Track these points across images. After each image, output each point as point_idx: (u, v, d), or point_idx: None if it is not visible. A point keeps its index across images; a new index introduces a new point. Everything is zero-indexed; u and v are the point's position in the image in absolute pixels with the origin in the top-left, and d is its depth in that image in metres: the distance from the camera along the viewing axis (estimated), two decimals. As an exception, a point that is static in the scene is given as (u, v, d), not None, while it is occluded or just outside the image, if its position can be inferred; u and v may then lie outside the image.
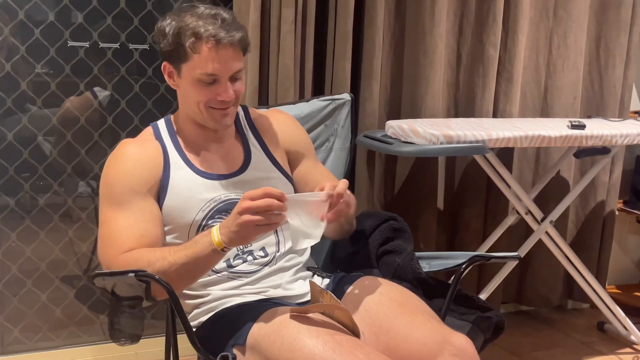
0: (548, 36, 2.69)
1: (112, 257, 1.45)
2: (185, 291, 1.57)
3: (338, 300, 1.38)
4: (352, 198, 1.48)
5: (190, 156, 1.59)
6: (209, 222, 1.55)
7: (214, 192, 1.57)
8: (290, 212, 1.34)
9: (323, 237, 1.47)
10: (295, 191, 1.68)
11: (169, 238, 1.56)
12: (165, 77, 1.57)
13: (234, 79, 1.52)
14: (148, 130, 1.64)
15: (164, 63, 1.55)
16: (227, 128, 1.62)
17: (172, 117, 1.66)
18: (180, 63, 1.50)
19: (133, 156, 1.55)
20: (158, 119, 1.67)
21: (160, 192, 1.55)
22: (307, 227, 1.36)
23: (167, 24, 1.49)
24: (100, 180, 1.56)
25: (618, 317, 2.65)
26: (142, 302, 1.42)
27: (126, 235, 1.46)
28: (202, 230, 1.54)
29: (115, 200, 1.50)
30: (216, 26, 1.46)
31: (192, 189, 1.55)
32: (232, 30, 1.47)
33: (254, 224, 1.32)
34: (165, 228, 1.55)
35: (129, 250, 1.45)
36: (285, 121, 1.76)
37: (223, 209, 1.56)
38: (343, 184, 1.40)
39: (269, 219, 1.32)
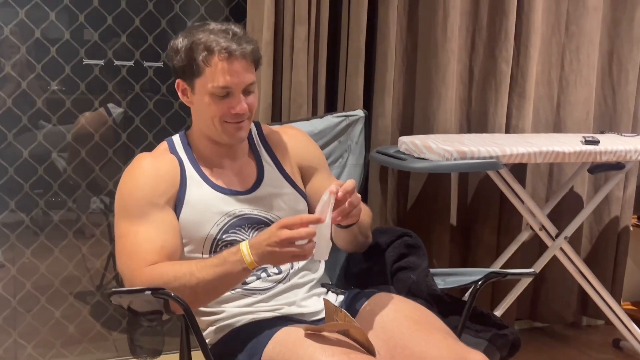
0: (560, 51, 2.68)
1: (135, 271, 1.44)
2: (200, 308, 1.57)
3: (352, 318, 1.37)
4: (359, 201, 1.45)
5: (205, 171, 1.60)
6: (224, 236, 1.55)
7: (229, 206, 1.57)
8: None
9: (334, 251, 1.46)
10: (309, 206, 1.68)
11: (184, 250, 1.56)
12: (179, 94, 1.58)
13: (247, 92, 1.53)
14: (163, 145, 1.65)
15: (178, 80, 1.56)
16: (242, 142, 1.62)
17: (186, 133, 1.67)
18: (193, 79, 1.51)
19: (150, 169, 1.56)
20: (172, 135, 1.67)
21: (176, 206, 1.55)
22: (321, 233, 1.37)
23: (180, 42, 1.51)
24: (115, 195, 1.55)
25: (634, 334, 2.62)
26: (162, 315, 1.42)
27: (147, 248, 1.46)
28: (217, 244, 1.55)
29: (133, 213, 1.50)
30: (227, 39, 1.48)
31: (208, 203, 1.56)
32: (244, 43, 1.49)
33: (291, 255, 1.34)
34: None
35: (152, 264, 1.44)
36: (297, 136, 1.76)
37: (237, 224, 1.56)
38: (350, 182, 1.40)
39: (303, 250, 1.34)
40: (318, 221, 1.34)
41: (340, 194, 1.37)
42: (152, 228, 1.48)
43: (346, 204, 1.39)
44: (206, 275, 1.39)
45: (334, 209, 1.38)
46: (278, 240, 1.32)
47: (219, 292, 1.48)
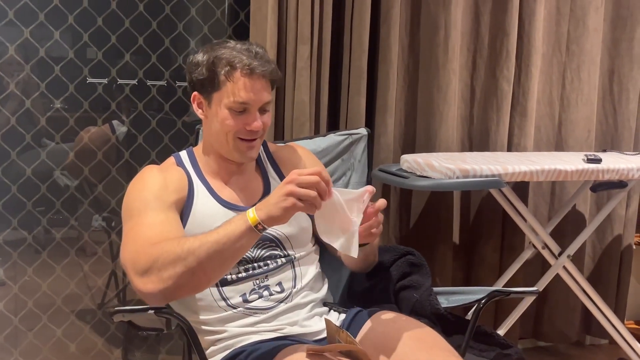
0: (561, 70, 2.70)
1: (139, 249, 1.40)
2: (202, 327, 1.56)
3: (354, 339, 1.37)
4: (381, 222, 1.46)
5: (212, 185, 1.61)
6: None
7: None
8: (329, 206, 1.33)
9: (337, 270, 1.43)
10: (313, 223, 1.68)
11: None
12: (194, 106, 1.60)
13: (263, 110, 1.55)
14: (170, 160, 1.66)
15: (194, 94, 1.58)
16: (252, 161, 1.64)
17: (193, 149, 1.68)
18: (212, 92, 1.53)
19: (159, 175, 1.57)
20: (175, 152, 1.68)
21: (182, 216, 1.55)
22: (338, 229, 1.36)
23: (200, 56, 1.54)
24: (122, 206, 1.55)
25: (638, 353, 2.60)
26: (163, 331, 1.41)
27: (151, 233, 1.43)
28: None
29: (139, 209, 1.49)
30: (250, 57, 1.51)
31: (214, 217, 1.55)
32: (265, 62, 1.52)
33: (297, 196, 1.30)
34: None
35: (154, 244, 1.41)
36: (303, 154, 1.77)
37: None
38: (382, 201, 1.41)
39: (312, 198, 1.30)
40: (329, 183, 1.32)
41: (370, 212, 1.38)
42: (156, 219, 1.47)
43: (374, 220, 1.40)
44: (209, 237, 1.35)
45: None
46: (289, 179, 1.31)
47: (223, 259, 1.37)
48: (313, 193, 1.30)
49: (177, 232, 1.48)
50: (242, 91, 1.50)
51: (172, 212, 1.51)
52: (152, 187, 1.53)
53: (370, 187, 1.37)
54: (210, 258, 1.35)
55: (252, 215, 1.34)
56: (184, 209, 1.56)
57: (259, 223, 1.33)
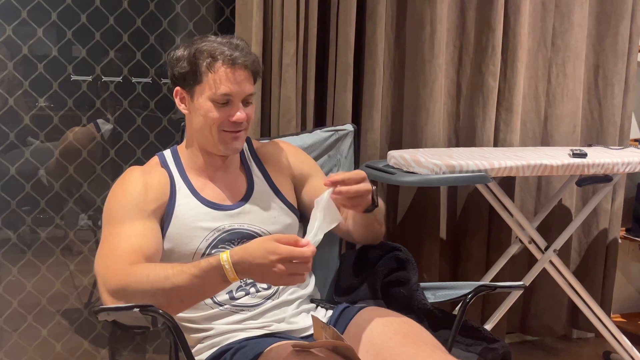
0: (547, 66, 2.71)
1: (110, 267, 1.41)
2: (188, 324, 1.56)
3: (341, 335, 1.37)
4: (366, 189, 1.44)
5: (196, 185, 1.60)
6: (212, 251, 1.55)
7: (218, 221, 1.57)
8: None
9: (325, 266, 1.44)
10: (301, 219, 1.69)
11: None
12: (177, 101, 1.59)
13: (246, 102, 1.55)
14: (154, 160, 1.65)
15: (176, 88, 1.58)
16: (236, 153, 1.63)
17: (177, 147, 1.67)
18: (194, 86, 1.53)
19: (140, 180, 1.56)
20: (160, 151, 1.68)
21: (165, 219, 1.55)
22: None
23: (181, 50, 1.55)
24: (103, 207, 1.55)
25: (624, 347, 2.62)
26: (149, 329, 1.40)
27: (125, 247, 1.43)
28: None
29: (118, 218, 1.49)
30: (231, 49, 1.52)
31: (196, 217, 1.55)
32: (246, 54, 1.53)
33: (286, 274, 1.27)
34: (170, 255, 1.54)
35: (129, 264, 1.40)
36: (287, 149, 1.77)
37: (227, 239, 1.56)
38: (354, 172, 1.42)
39: (298, 273, 1.28)
40: (304, 253, 1.27)
41: (327, 181, 1.39)
42: (133, 230, 1.47)
43: (348, 189, 1.40)
44: (182, 281, 1.34)
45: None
46: (278, 258, 1.26)
47: (195, 301, 1.42)
48: (305, 271, 1.28)
49: (152, 244, 1.48)
50: (224, 82, 1.50)
51: (150, 221, 1.51)
52: (132, 193, 1.53)
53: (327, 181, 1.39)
54: (181, 300, 1.37)
55: (231, 275, 1.30)
56: (166, 212, 1.56)
57: (237, 279, 1.32)
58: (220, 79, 1.50)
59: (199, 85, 1.53)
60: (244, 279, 1.53)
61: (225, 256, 1.31)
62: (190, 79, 1.53)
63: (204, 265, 1.34)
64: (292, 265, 1.26)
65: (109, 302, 1.38)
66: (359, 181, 1.42)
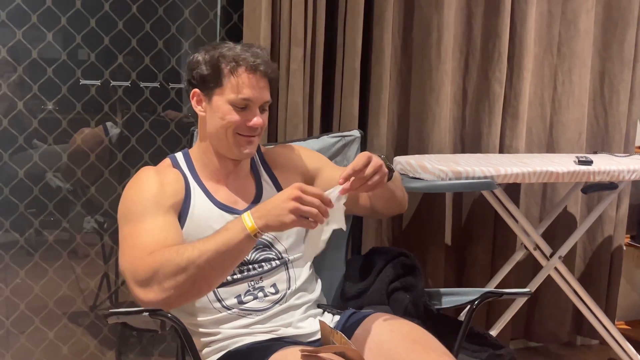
0: (553, 73, 2.72)
1: (138, 260, 1.41)
2: (196, 328, 1.57)
3: (348, 340, 1.37)
4: (378, 166, 1.44)
5: (208, 186, 1.62)
6: None
7: None
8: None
9: (331, 271, 1.44)
10: None
11: None
12: (193, 103, 1.61)
13: (262, 109, 1.58)
14: (166, 162, 1.66)
15: (194, 90, 1.60)
16: (249, 157, 1.64)
17: (189, 150, 1.69)
18: (214, 88, 1.55)
19: (156, 177, 1.58)
20: (170, 154, 1.69)
21: (180, 218, 1.56)
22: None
23: (202, 55, 1.57)
24: (118, 207, 1.55)
25: (629, 354, 2.62)
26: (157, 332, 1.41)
27: (149, 240, 1.44)
28: None
29: (137, 215, 1.49)
30: (254, 56, 1.55)
31: (210, 219, 1.56)
32: (267, 62, 1.57)
33: (299, 214, 1.31)
34: None
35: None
36: (293, 150, 1.79)
37: None
38: (358, 160, 1.41)
39: (314, 216, 1.32)
40: (329, 204, 1.34)
41: (341, 180, 1.39)
42: (155, 224, 1.47)
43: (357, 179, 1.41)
44: (208, 245, 1.36)
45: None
46: (292, 196, 1.31)
47: (224, 267, 1.40)
48: (315, 211, 1.32)
49: (176, 236, 1.48)
50: (245, 87, 1.53)
51: (169, 215, 1.52)
52: (149, 190, 1.54)
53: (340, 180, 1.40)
54: (211, 266, 1.37)
55: (250, 223, 1.35)
56: (182, 211, 1.56)
57: (258, 232, 1.35)
58: (242, 83, 1.53)
59: (219, 88, 1.55)
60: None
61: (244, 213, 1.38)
62: (211, 82, 1.55)
63: (227, 225, 1.39)
64: (305, 207, 1.31)
65: (141, 294, 1.38)
66: (367, 163, 1.42)
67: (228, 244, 1.36)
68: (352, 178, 1.40)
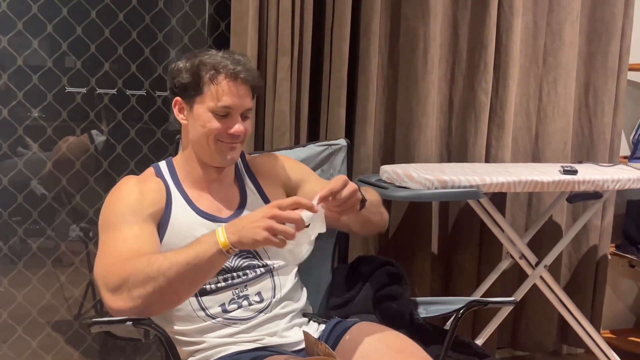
0: (538, 83, 2.74)
1: (110, 266, 1.41)
2: (180, 337, 1.56)
3: (333, 351, 1.37)
4: (353, 191, 1.42)
5: (191, 195, 1.61)
6: None
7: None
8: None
9: (317, 279, 1.44)
10: None
11: None
12: (175, 111, 1.61)
13: (244, 116, 1.58)
14: (149, 170, 1.66)
15: (176, 98, 1.60)
16: (231, 164, 1.64)
17: (172, 159, 1.68)
18: (194, 96, 1.55)
19: (136, 187, 1.58)
20: (154, 163, 1.68)
21: (160, 227, 1.56)
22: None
23: (183, 62, 1.58)
24: (99, 216, 1.55)
25: (614, 363, 2.63)
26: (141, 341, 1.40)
27: (124, 247, 1.44)
28: None
29: (115, 223, 1.49)
30: (234, 63, 1.55)
31: (192, 227, 1.56)
32: (248, 69, 1.57)
33: (273, 232, 1.29)
34: None
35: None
36: (278, 159, 1.79)
37: None
38: (335, 181, 1.39)
39: (287, 235, 1.30)
40: (311, 209, 1.33)
41: (318, 200, 1.37)
42: (130, 233, 1.47)
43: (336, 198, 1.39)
44: (180, 257, 1.35)
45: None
46: (269, 214, 1.30)
47: (194, 280, 1.39)
48: (291, 231, 1.30)
49: (151, 246, 1.48)
50: (225, 95, 1.53)
51: (147, 224, 1.51)
52: (128, 199, 1.53)
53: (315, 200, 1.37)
54: (180, 279, 1.36)
55: (222, 238, 1.33)
56: (162, 220, 1.56)
57: (230, 247, 1.34)
58: (222, 91, 1.53)
59: (200, 96, 1.55)
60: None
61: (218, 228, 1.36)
62: (192, 90, 1.55)
63: (200, 237, 1.38)
64: (280, 227, 1.29)
65: (110, 301, 1.38)
66: (344, 185, 1.41)
67: (200, 257, 1.35)
68: (330, 198, 1.39)
